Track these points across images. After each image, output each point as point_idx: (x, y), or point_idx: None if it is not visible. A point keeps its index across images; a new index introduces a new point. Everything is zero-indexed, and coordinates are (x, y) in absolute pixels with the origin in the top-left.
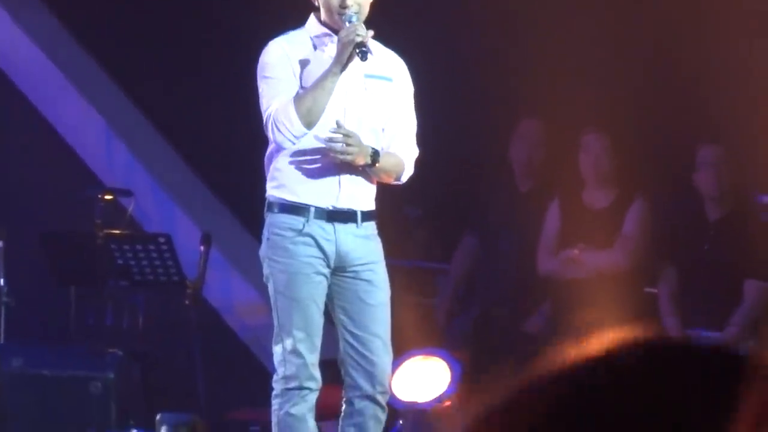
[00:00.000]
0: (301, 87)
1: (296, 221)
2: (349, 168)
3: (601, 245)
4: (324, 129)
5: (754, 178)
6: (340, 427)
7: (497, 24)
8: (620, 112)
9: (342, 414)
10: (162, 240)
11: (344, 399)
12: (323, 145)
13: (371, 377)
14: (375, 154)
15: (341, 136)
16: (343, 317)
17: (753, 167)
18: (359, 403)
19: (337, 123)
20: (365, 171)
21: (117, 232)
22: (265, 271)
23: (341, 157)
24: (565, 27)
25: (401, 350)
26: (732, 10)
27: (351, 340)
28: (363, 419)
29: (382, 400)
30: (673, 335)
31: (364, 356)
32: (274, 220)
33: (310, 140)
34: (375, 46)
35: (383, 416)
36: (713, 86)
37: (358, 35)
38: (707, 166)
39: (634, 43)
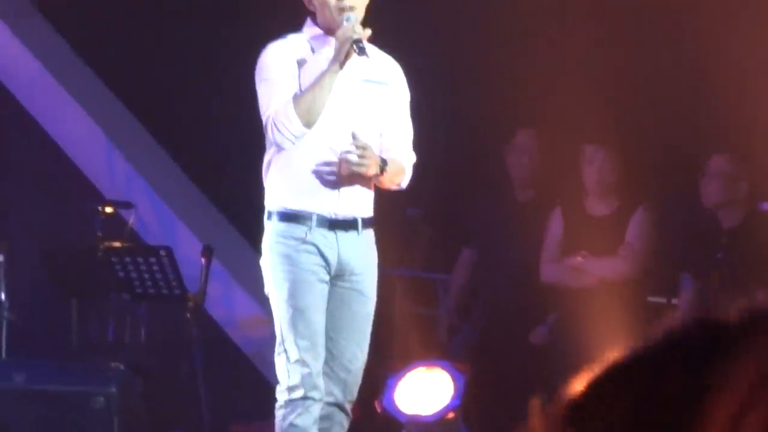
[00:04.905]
0: (300, 88)
1: (299, 230)
2: (348, 174)
3: (604, 253)
4: (322, 131)
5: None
6: None
7: (495, 32)
8: (620, 122)
9: None
10: (163, 252)
11: None
12: (322, 151)
13: (344, 385)
14: (383, 163)
15: (357, 148)
16: (327, 322)
17: (759, 176)
18: (327, 409)
19: (353, 135)
20: (364, 177)
21: (118, 244)
22: (267, 280)
23: (356, 168)
24: (564, 36)
25: (404, 362)
26: (735, 16)
27: (330, 346)
28: (330, 424)
29: (349, 408)
30: None
31: (341, 364)
32: (275, 229)
33: (308, 145)
34: (372, 51)
35: (347, 424)
36: (717, 94)
37: (355, 32)
38: (717, 175)
39: (634, 52)
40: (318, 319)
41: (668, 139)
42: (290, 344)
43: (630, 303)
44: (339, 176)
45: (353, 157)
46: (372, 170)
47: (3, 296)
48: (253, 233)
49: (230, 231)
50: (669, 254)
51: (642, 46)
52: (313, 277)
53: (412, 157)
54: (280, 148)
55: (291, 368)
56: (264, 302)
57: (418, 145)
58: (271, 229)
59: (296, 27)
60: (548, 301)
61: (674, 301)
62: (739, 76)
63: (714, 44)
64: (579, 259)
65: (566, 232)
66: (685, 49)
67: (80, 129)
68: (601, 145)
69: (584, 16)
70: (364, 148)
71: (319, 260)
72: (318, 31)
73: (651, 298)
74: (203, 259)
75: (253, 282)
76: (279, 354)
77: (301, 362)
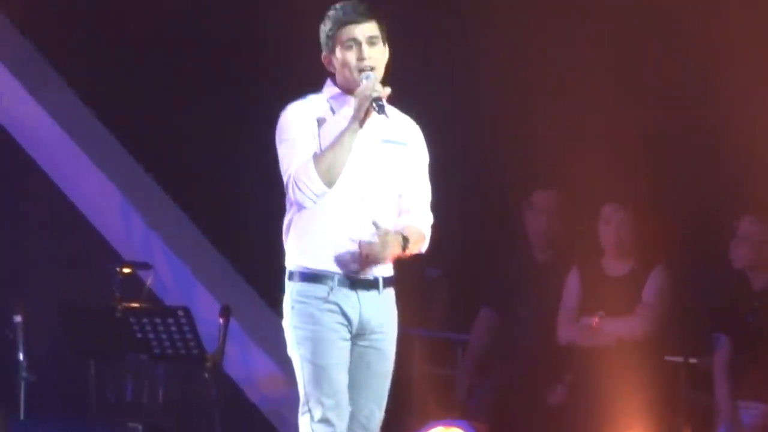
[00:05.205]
0: (320, 148)
1: (321, 289)
2: (369, 231)
3: (621, 313)
4: (342, 191)
5: None
6: None
7: (513, 93)
8: (638, 182)
9: None
10: (181, 313)
11: None
12: (343, 210)
13: None
14: (405, 241)
15: (379, 236)
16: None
17: None
18: None
19: (375, 224)
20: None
21: (136, 305)
22: (289, 340)
23: (379, 256)
24: (582, 97)
25: (422, 421)
26: (759, 77)
27: (348, 403)
28: None
29: None
30: (724, 406)
31: (358, 422)
32: (297, 289)
33: (329, 205)
34: (391, 111)
35: None
36: (738, 153)
37: (375, 90)
38: (747, 237)
39: (653, 112)
40: (342, 378)
41: (688, 199)
42: (314, 403)
43: (647, 363)
44: (360, 234)
45: (375, 246)
46: (395, 252)
47: (21, 356)
48: (270, 293)
49: (247, 291)
50: (695, 314)
51: (661, 106)
52: (336, 336)
53: (429, 219)
54: (300, 208)
55: (316, 428)
56: (281, 362)
57: (437, 205)
58: (293, 289)
59: (316, 87)
60: (566, 361)
61: (692, 360)
62: (763, 137)
63: (735, 105)
64: (596, 319)
65: (583, 292)
66: (705, 108)
67: (98, 190)
68: (618, 205)
69: (602, 77)
70: (385, 234)
71: (341, 319)
72: (337, 90)
73: (668, 358)
74: (221, 320)
75: (271, 342)
76: (303, 414)
77: (326, 421)
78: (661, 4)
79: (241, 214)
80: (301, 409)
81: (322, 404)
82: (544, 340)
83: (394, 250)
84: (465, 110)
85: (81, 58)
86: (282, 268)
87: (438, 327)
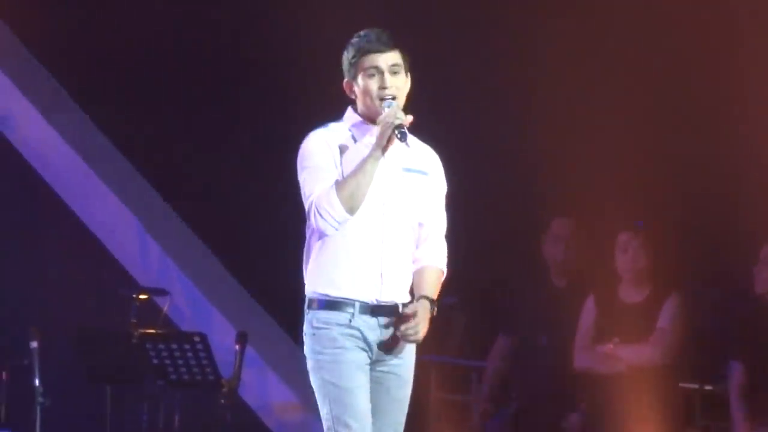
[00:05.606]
0: (342, 175)
1: (341, 317)
2: (390, 259)
3: (636, 340)
4: (364, 219)
5: None
6: None
7: (532, 121)
8: (654, 210)
9: None
10: (197, 339)
11: None
12: (364, 238)
13: None
14: (433, 305)
15: (409, 319)
16: None
17: None
18: None
19: (399, 310)
20: (404, 261)
21: (152, 331)
22: (312, 366)
23: (414, 339)
24: (599, 127)
25: None
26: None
27: None
28: None
29: None
30: None
31: None
32: (317, 316)
33: (350, 232)
34: (411, 141)
35: None
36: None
37: (397, 118)
38: None
39: (670, 141)
40: (366, 402)
41: (703, 226)
42: (342, 426)
43: (662, 390)
44: (381, 260)
45: (410, 332)
46: (428, 320)
47: (37, 382)
48: (286, 319)
49: (264, 317)
50: (710, 341)
51: (679, 134)
52: (359, 359)
53: (445, 249)
54: (322, 235)
55: None
56: (297, 388)
57: (454, 233)
58: (313, 316)
59: (337, 116)
60: (581, 387)
61: (708, 387)
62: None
63: (754, 130)
64: (610, 346)
65: (599, 319)
66: (723, 134)
67: (114, 216)
68: (636, 233)
69: (620, 107)
70: (414, 315)
71: (363, 344)
72: (359, 119)
73: (683, 385)
74: (237, 346)
75: (287, 368)
76: None
77: None
78: (677, 30)
79: (257, 241)
80: None
81: (350, 427)
82: (560, 366)
83: (428, 320)
84: (483, 139)
85: (95, 82)
86: (298, 295)
87: (454, 354)
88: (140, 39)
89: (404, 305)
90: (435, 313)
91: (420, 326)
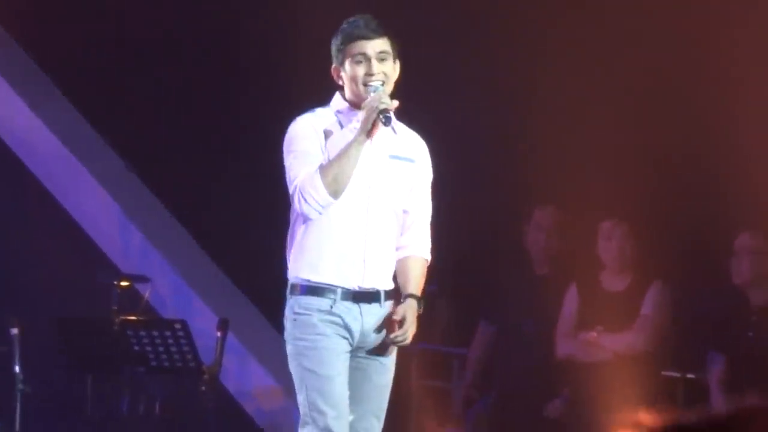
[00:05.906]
0: (327, 160)
1: (323, 302)
2: (373, 245)
3: (619, 328)
4: (347, 205)
5: None
6: None
7: (514, 110)
8: (637, 198)
9: None
10: (178, 326)
11: None
12: (347, 224)
13: None
14: (420, 305)
15: (398, 326)
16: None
17: None
18: None
19: (391, 318)
20: (387, 248)
21: (133, 318)
22: (290, 351)
23: (404, 343)
24: (583, 114)
25: None
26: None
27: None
28: None
29: None
30: None
31: None
32: (299, 302)
33: (334, 218)
34: (399, 127)
35: None
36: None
37: (382, 102)
38: (747, 253)
39: (652, 129)
40: (344, 389)
41: (686, 215)
42: (317, 413)
43: (644, 377)
44: (364, 247)
45: (399, 339)
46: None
47: (18, 369)
48: (267, 306)
49: (245, 304)
50: (692, 330)
51: (659, 124)
52: (339, 347)
53: (428, 237)
54: (306, 220)
55: None
56: (278, 375)
57: (438, 221)
58: (294, 302)
59: (324, 101)
60: (563, 375)
61: (690, 375)
62: (761, 153)
63: (732, 121)
64: (593, 334)
65: (581, 307)
66: (703, 125)
67: (96, 203)
68: (619, 221)
69: (602, 96)
70: (403, 321)
71: (343, 331)
72: (345, 104)
73: (665, 373)
74: (219, 333)
75: (268, 355)
76: (304, 425)
77: (328, 431)
78: (663, 26)
79: (239, 228)
80: (303, 420)
81: (325, 414)
82: (543, 354)
83: (416, 321)
84: (466, 127)
85: (80, 72)
86: (280, 282)
87: (437, 341)
88: (126, 28)
89: (386, 292)
90: (422, 311)
91: (408, 332)
